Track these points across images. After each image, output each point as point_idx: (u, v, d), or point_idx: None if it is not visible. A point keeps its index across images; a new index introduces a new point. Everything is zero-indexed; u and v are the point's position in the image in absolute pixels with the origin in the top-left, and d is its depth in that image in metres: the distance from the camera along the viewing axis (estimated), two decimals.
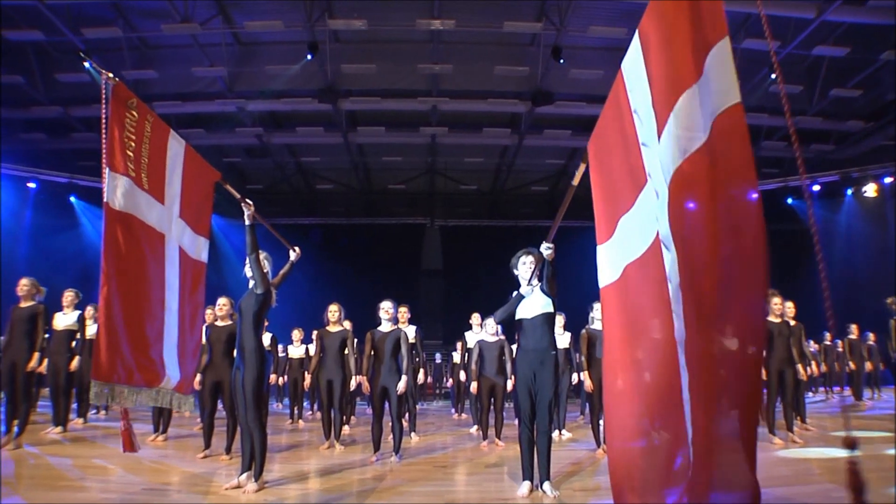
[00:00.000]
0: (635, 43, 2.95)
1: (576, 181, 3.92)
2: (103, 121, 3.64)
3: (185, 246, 4.32)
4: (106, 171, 3.63)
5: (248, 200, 4.43)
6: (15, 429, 5.92)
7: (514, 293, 4.36)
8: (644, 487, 2.83)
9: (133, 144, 3.82)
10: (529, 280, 4.32)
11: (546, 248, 4.13)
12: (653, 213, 2.94)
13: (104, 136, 3.55)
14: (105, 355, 3.44)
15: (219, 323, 5.98)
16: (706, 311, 2.48)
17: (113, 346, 3.48)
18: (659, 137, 2.78)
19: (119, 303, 3.54)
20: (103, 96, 3.67)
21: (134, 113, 3.83)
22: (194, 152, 4.41)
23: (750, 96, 12.98)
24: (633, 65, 2.99)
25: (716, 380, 2.43)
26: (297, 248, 4.99)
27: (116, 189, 3.67)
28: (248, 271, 4.43)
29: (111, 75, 3.65)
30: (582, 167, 3.81)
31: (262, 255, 4.53)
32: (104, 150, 3.64)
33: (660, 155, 2.76)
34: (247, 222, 4.41)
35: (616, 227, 3.26)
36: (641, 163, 3.00)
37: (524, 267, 4.38)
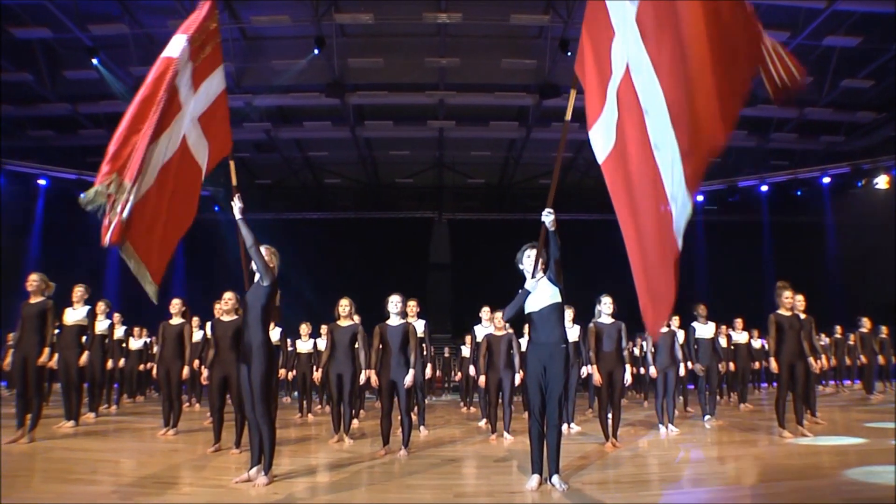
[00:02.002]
0: None
1: (568, 116, 4.07)
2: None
3: (191, 142, 4.53)
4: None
5: (238, 194, 4.44)
6: (28, 423, 5.98)
7: (521, 290, 4.32)
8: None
9: (201, 39, 4.33)
10: (534, 273, 4.27)
11: (547, 214, 3.99)
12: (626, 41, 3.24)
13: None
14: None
15: (224, 318, 5.98)
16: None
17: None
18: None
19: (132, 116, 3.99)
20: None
21: (213, 24, 4.43)
22: (226, 106, 4.72)
23: (760, 88, 12.85)
24: None
25: None
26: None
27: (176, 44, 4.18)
28: (254, 265, 4.42)
29: None
30: (573, 93, 3.99)
31: (271, 249, 4.53)
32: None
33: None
34: (237, 216, 4.40)
35: (606, 96, 3.47)
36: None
37: (528, 260, 4.31)
